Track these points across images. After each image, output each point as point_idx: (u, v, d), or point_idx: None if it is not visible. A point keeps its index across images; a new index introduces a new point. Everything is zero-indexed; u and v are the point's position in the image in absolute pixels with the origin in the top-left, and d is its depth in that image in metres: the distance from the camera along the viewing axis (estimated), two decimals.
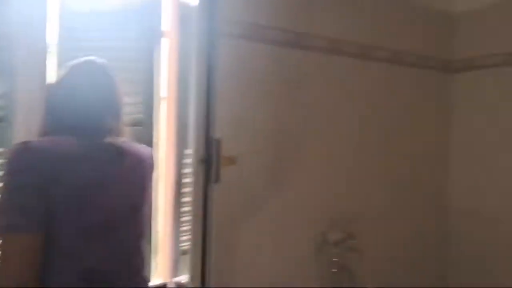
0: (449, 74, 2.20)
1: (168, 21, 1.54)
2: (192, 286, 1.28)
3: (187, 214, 1.55)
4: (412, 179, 2.08)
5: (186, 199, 1.56)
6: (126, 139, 1.01)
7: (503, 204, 2.00)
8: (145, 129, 1.50)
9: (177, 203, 1.57)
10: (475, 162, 2.11)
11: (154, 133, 1.54)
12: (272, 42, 1.61)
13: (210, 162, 1.27)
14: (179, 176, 1.57)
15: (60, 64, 1.27)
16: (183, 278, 1.54)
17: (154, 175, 1.11)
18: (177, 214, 1.57)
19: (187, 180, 1.57)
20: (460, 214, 2.17)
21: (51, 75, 1.27)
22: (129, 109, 1.29)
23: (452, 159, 2.21)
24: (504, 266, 1.97)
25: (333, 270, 1.76)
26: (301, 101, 1.71)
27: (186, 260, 1.43)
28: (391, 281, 1.95)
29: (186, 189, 1.57)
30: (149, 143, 1.47)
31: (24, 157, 0.82)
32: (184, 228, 1.57)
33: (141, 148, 1.06)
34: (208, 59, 1.28)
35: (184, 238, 1.57)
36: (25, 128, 1.20)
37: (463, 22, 2.17)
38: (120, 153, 0.96)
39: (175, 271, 1.57)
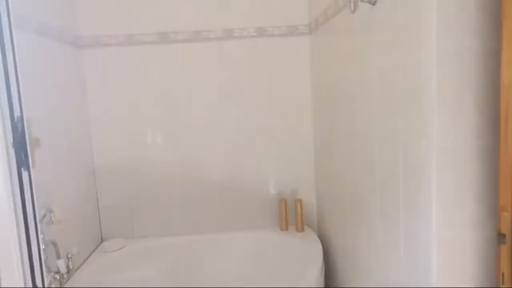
0: (79, 49, 2.27)
1: None
2: None
3: None
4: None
5: None
6: None
7: (136, 157, 2.42)
8: None
9: None
10: (111, 125, 2.40)
11: None
12: None
13: None
14: None
15: None
16: None
17: None
18: None
19: None
20: (103, 170, 2.45)
21: None
22: None
23: (92, 126, 2.39)
24: (149, 215, 2.49)
25: (42, 247, 1.72)
26: None
27: None
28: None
29: None
30: None
31: None
32: None
33: None
34: None
35: None
36: None
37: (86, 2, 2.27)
38: None
39: None
